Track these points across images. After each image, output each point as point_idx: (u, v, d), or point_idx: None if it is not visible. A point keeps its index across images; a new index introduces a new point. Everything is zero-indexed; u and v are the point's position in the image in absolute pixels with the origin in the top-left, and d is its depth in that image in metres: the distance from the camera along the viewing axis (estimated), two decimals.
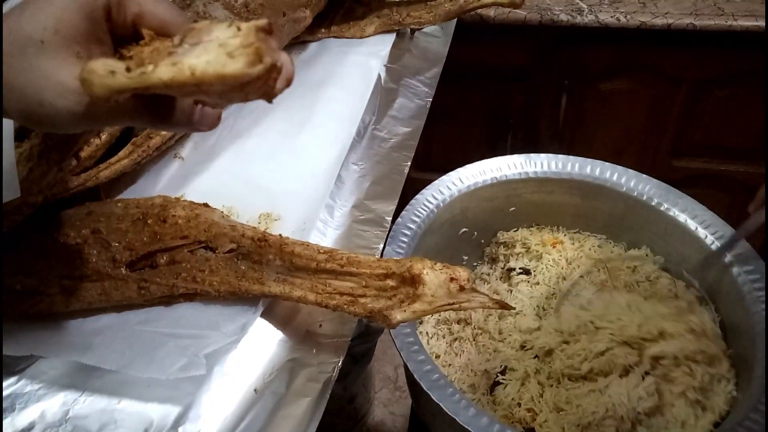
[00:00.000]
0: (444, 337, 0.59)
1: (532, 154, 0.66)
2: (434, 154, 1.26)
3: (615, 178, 0.64)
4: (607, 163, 0.65)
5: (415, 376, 0.45)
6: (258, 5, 0.65)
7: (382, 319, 0.41)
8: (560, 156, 0.65)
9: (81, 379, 0.41)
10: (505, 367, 0.55)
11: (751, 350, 0.51)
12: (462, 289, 0.41)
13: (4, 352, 0.41)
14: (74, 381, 0.41)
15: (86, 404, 0.40)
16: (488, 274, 0.66)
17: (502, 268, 0.66)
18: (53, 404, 0.40)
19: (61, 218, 0.48)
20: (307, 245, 0.45)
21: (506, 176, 0.64)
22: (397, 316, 0.41)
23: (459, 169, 0.64)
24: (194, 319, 0.45)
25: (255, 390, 0.42)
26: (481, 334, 0.59)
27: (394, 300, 0.42)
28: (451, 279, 0.41)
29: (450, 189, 0.62)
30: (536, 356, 0.55)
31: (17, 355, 0.42)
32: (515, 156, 0.65)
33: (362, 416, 1.25)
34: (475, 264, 0.69)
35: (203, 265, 0.46)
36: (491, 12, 1.03)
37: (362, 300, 0.42)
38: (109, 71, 0.24)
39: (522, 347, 0.57)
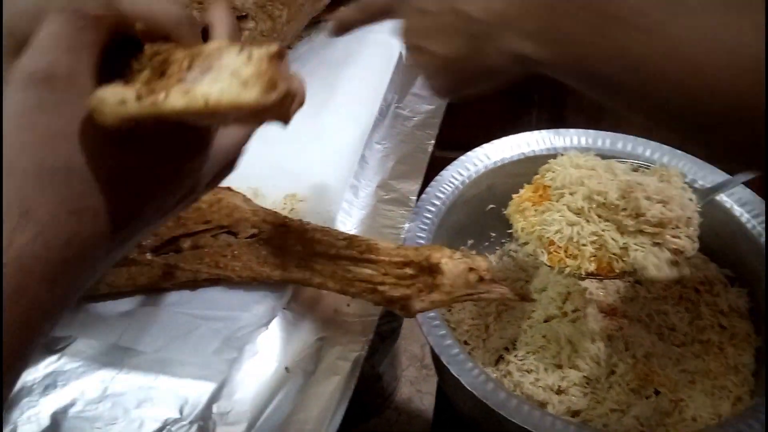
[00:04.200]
0: (470, 312, 0.59)
1: (561, 129, 0.64)
2: (457, 133, 1.24)
3: (648, 153, 0.62)
4: (639, 138, 0.62)
5: (435, 350, 0.45)
6: None
7: (401, 308, 0.42)
8: (590, 131, 0.63)
9: (118, 356, 0.42)
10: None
11: None
12: (481, 279, 0.41)
13: None
14: (112, 359, 0.42)
15: (124, 382, 0.41)
16: (516, 252, 0.66)
17: None
18: (92, 381, 0.41)
19: None
20: (327, 231, 0.45)
21: (534, 152, 0.63)
22: (416, 305, 0.41)
23: (485, 145, 0.62)
24: (224, 300, 0.46)
25: (286, 368, 0.42)
26: (506, 310, 0.58)
27: (412, 289, 0.42)
28: (470, 269, 0.40)
29: (476, 165, 0.61)
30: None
31: (57, 335, 0.43)
32: (543, 131, 0.64)
33: (390, 394, 1.27)
34: (503, 241, 0.68)
35: (225, 250, 0.46)
36: None
37: (381, 288, 0.42)
38: (119, 100, 0.23)
39: (545, 321, 0.56)
